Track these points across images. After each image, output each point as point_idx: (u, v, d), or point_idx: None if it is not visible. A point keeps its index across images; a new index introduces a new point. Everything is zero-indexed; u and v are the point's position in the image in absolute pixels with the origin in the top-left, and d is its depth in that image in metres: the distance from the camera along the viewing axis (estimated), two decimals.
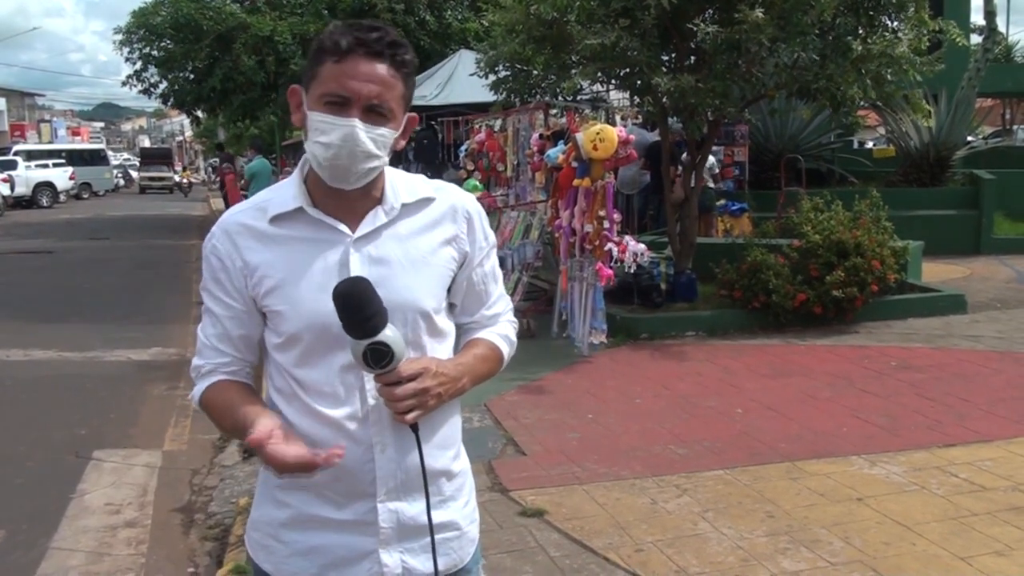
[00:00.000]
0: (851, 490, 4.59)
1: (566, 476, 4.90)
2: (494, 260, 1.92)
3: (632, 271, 7.90)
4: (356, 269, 1.69)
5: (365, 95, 1.63)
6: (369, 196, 1.75)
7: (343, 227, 1.72)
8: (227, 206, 20.40)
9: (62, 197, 35.92)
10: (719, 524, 4.23)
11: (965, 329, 8.26)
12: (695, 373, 7.05)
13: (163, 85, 23.07)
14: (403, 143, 1.76)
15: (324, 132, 1.64)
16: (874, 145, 23.57)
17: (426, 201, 1.79)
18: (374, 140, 1.65)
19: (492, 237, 1.91)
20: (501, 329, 1.93)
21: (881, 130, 20.10)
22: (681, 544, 4.03)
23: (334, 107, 1.64)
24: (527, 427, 5.78)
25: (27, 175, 34.02)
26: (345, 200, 1.72)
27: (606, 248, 7.41)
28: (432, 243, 1.78)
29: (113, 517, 4.87)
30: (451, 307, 1.86)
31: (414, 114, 1.77)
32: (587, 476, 4.89)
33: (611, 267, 7.48)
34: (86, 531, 4.69)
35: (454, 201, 1.82)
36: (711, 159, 11.48)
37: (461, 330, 1.90)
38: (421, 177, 1.85)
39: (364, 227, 1.73)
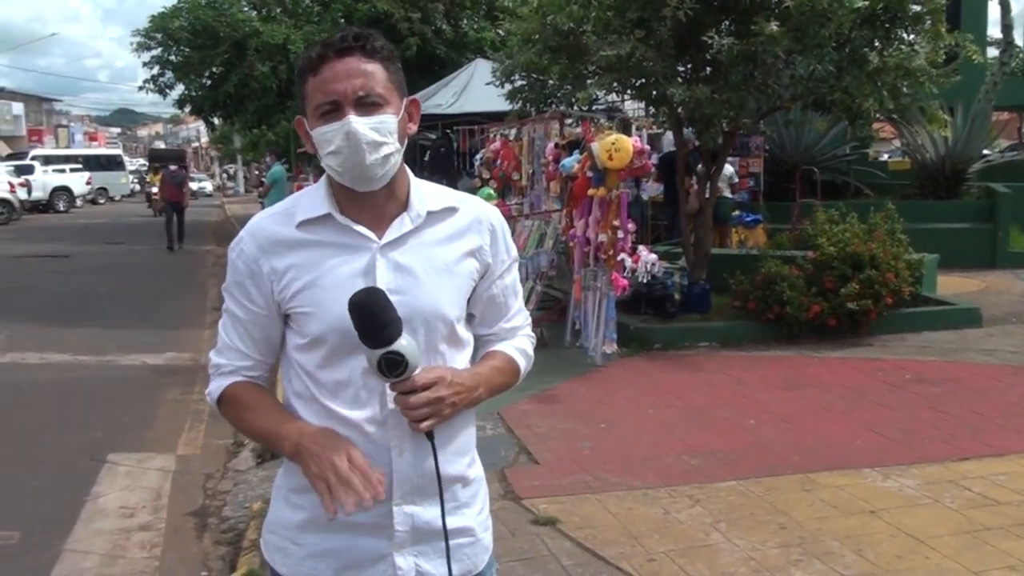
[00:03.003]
0: (864, 503, 4.57)
1: (578, 485, 4.91)
2: (515, 274, 1.94)
3: (645, 281, 7.90)
4: (381, 275, 1.71)
5: (350, 91, 1.67)
6: (394, 200, 1.77)
7: (370, 233, 1.74)
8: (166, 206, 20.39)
9: (78, 202, 36.30)
10: (731, 535, 4.22)
11: (980, 343, 8.22)
12: (708, 384, 7.05)
13: (179, 89, 23.26)
14: (414, 128, 1.78)
15: (329, 141, 1.68)
16: (889, 158, 23.50)
17: (451, 211, 1.81)
18: (375, 128, 1.67)
19: (514, 251, 1.92)
20: (519, 343, 1.95)
21: (896, 143, 20.04)
22: (693, 555, 4.02)
23: (329, 116, 1.68)
24: (540, 436, 5.79)
25: (44, 180, 34.42)
26: (370, 205, 1.75)
27: (619, 258, 7.42)
28: (456, 253, 1.79)
29: (127, 520, 4.90)
30: (470, 318, 1.87)
31: (415, 97, 1.80)
32: (599, 485, 4.89)
33: (625, 277, 7.49)
34: (100, 534, 4.72)
35: (479, 213, 1.85)
36: (729, 168, 11.45)
37: (479, 341, 1.91)
38: (445, 187, 1.87)
39: (391, 233, 1.75)
